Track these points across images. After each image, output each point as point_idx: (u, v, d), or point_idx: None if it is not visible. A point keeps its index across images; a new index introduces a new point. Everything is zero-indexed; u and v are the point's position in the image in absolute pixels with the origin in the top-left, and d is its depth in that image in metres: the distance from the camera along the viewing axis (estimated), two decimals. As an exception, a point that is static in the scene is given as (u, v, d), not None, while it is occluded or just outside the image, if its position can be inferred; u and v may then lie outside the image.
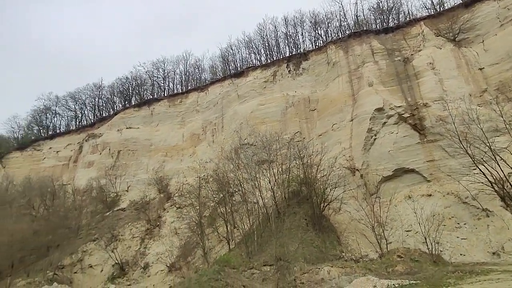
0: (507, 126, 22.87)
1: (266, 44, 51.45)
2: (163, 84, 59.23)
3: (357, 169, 29.83)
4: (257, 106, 41.53)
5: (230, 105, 45.17)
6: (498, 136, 23.72)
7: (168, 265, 29.53)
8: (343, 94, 35.47)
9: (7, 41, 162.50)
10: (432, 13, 38.32)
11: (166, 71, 59.09)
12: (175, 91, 56.11)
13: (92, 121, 59.52)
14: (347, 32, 42.86)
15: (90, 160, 50.18)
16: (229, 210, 29.27)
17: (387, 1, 44.09)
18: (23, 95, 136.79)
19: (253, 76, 45.15)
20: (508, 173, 21.62)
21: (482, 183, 21.91)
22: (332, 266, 18.85)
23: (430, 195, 26.11)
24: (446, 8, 37.56)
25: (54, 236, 35.01)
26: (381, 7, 44.27)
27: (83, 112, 63.63)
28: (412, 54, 33.74)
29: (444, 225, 22.43)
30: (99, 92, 62.64)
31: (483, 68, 30.06)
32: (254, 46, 52.96)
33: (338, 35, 44.57)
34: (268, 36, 51.51)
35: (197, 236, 28.94)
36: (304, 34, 50.02)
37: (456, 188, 24.78)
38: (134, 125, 51.12)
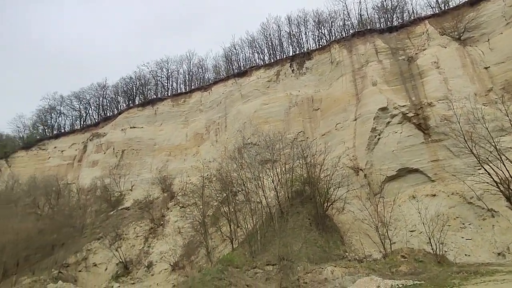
0: (513, 125, 22.63)
1: (270, 44, 51.48)
2: (166, 84, 59.54)
3: (360, 169, 29.72)
4: (260, 106, 41.53)
5: (233, 104, 45.21)
6: (503, 136, 23.50)
7: (172, 264, 29.64)
8: (346, 93, 35.34)
9: (7, 41, 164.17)
10: (437, 11, 38.06)
11: (169, 71, 59.42)
12: (179, 91, 56.32)
13: (97, 120, 59.91)
14: (351, 31, 42.72)
15: (95, 159, 50.52)
16: (232, 210, 29.29)
17: (391, 0, 43.90)
18: (24, 95, 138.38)
19: (256, 75, 45.15)
20: (514, 173, 21.41)
21: (487, 183, 21.70)
22: (335, 266, 18.84)
23: (435, 195, 25.94)
24: (451, 6, 37.24)
25: (59, 234, 35.30)
26: (385, 6, 44.05)
27: (87, 111, 64.18)
28: (416, 53, 33.53)
29: (449, 226, 22.28)
30: (103, 91, 63.16)
31: (489, 67, 29.79)
32: (257, 46, 53.06)
33: (341, 34, 44.43)
34: (272, 36, 51.57)
35: (200, 235, 29.01)
36: (307, 33, 49.98)
37: (461, 188, 24.59)
38: (138, 124, 51.37)
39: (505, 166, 21.13)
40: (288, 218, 26.15)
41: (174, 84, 59.44)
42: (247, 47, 54.33)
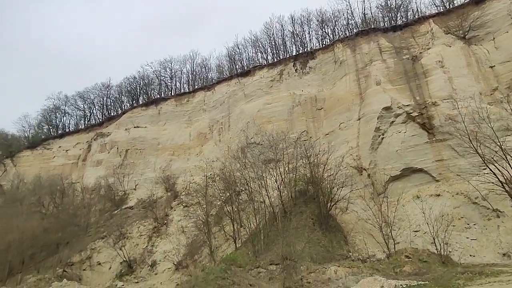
0: (518, 125, 22.46)
1: (273, 43, 51.37)
2: (170, 84, 59.67)
3: (364, 169, 29.61)
4: (263, 105, 41.51)
5: (236, 104, 45.24)
6: (509, 135, 23.34)
7: (175, 263, 29.74)
8: (350, 93, 35.22)
9: (8, 41, 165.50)
10: (441, 10, 37.76)
11: (173, 71, 59.53)
12: (182, 91, 56.42)
13: (101, 120, 60.20)
14: (354, 30, 42.51)
15: (99, 158, 50.83)
16: (235, 209, 29.33)
17: (395, -1, 43.59)
18: (28, 95, 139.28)
19: (259, 75, 45.13)
20: (520, 173, 21.22)
21: (493, 183, 21.54)
22: (339, 266, 18.79)
23: (439, 195, 25.79)
24: (455, 5, 36.97)
25: (63, 233, 35.55)
26: (389, 5, 43.77)
27: (91, 111, 64.50)
28: (420, 52, 33.32)
29: (453, 226, 22.16)
30: (107, 91, 63.40)
31: (494, 66, 29.54)
32: (260, 45, 52.93)
33: (345, 34, 44.24)
34: (275, 35, 51.43)
35: (203, 234, 29.09)
36: (311, 32, 49.76)
37: (466, 188, 24.44)
38: (142, 124, 51.60)
39: (510, 166, 20.95)
40: (291, 218, 26.12)
41: (178, 84, 59.66)
42: (251, 47, 54.35)
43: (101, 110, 63.34)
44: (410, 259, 19.66)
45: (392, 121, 30.05)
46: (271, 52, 51.24)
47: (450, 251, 20.61)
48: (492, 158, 21.51)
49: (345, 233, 26.23)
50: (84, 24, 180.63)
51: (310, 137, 36.37)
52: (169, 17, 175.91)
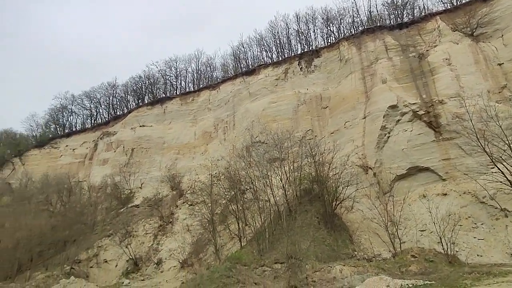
0: (527, 123, 22.10)
1: (278, 42, 51.28)
2: (175, 83, 59.95)
3: (370, 167, 29.44)
4: (268, 104, 41.48)
5: (241, 103, 45.27)
6: (517, 134, 22.92)
7: (181, 261, 29.92)
8: (355, 91, 35.00)
9: (13, 42, 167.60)
10: (449, 7, 37.22)
11: (178, 70, 59.77)
12: (187, 90, 56.64)
13: (107, 119, 60.77)
14: (360, 28, 42.23)
15: (105, 157, 51.33)
16: (240, 208, 29.38)
17: (401, -4, 43.12)
18: (32, 94, 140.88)
19: (264, 74, 45.10)
20: (529, 172, 20.90)
21: (501, 182, 21.22)
22: (344, 265, 18.71)
23: (446, 194, 25.54)
24: (463, 2, 36.33)
25: (70, 231, 36.00)
26: (395, 2, 43.34)
27: (98, 110, 65.11)
28: (427, 50, 32.96)
29: (460, 225, 21.92)
30: (113, 91, 63.91)
31: (502, 63, 29.08)
32: (265, 44, 52.91)
33: (350, 32, 43.97)
34: (280, 34, 51.34)
35: (209, 233, 29.20)
36: (316, 31, 49.57)
37: (473, 187, 24.15)
38: (147, 123, 51.95)
39: (519, 164, 20.65)
40: (296, 217, 26.07)
41: (183, 83, 59.91)
42: (255, 46, 54.33)
43: (107, 109, 63.94)
44: (416, 258, 19.49)
45: (398, 120, 29.80)
46: (276, 50, 51.23)
47: (457, 251, 20.38)
48: (500, 157, 21.19)
49: (350, 232, 26.12)
50: (88, 24, 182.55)
51: (315, 136, 36.26)
52: (173, 16, 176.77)
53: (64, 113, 66.19)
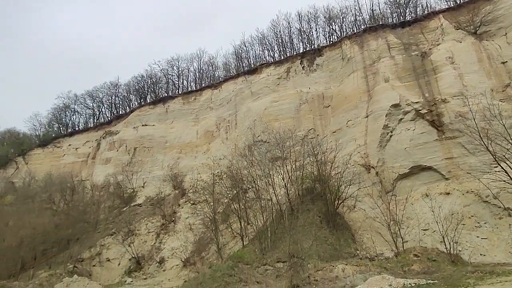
0: (531, 122, 21.96)
1: (280, 41, 51.14)
2: (177, 82, 59.99)
3: (372, 167, 29.37)
4: (270, 103, 41.45)
5: (243, 102, 45.26)
6: (521, 133, 22.76)
7: (183, 260, 30.02)
8: (358, 90, 34.89)
9: (13, 41, 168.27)
10: (452, 5, 37.00)
11: (180, 69, 59.81)
12: (189, 89, 56.68)
13: (109, 118, 60.93)
14: (362, 26, 41.99)
15: (108, 156, 51.52)
16: (242, 207, 29.42)
17: (404, -6, 42.88)
18: (35, 93, 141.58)
19: (266, 73, 45.05)
20: (532, 171, 20.78)
21: (504, 181, 21.13)
22: (346, 264, 18.69)
23: (449, 193, 25.43)
24: (466, 0, 36.20)
25: (74, 230, 36.20)
26: (397, 1, 43.05)
27: (100, 110, 65.27)
28: (430, 49, 32.79)
29: (463, 224, 21.83)
30: (116, 90, 64.09)
31: (506, 61, 28.88)
32: (267, 43, 52.78)
33: (353, 30, 43.79)
34: (282, 33, 51.18)
35: (211, 232, 29.26)
36: (318, 29, 49.38)
37: (476, 186, 24.04)
38: (150, 122, 52.06)
39: (523, 163, 20.53)
40: (298, 216, 26.07)
41: (185, 82, 59.90)
42: (257, 45, 54.17)
43: (110, 109, 64.15)
44: (419, 257, 19.44)
45: (401, 119, 29.69)
46: (278, 49, 51.11)
47: (460, 250, 20.30)
48: (504, 155, 21.09)
49: (352, 231, 26.09)
50: (88, 24, 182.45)
51: (317, 135, 36.21)
52: (175, 16, 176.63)
53: (67, 112, 66.52)
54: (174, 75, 60.20)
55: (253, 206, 29.34)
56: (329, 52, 41.46)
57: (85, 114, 66.26)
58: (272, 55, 51.61)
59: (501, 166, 21.29)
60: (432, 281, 15.11)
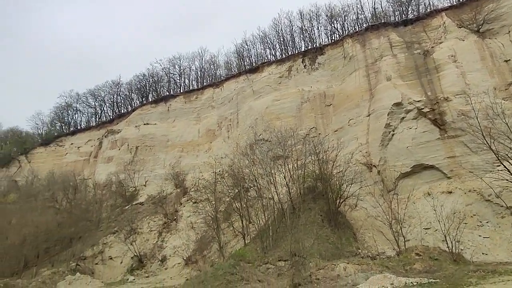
0: (534, 120, 21.82)
1: (281, 39, 51.00)
2: (179, 81, 60.00)
3: (374, 165, 29.32)
4: (272, 102, 41.41)
5: (245, 100, 45.24)
6: (524, 131, 22.65)
7: (185, 258, 30.11)
8: (360, 88, 34.80)
9: (14, 41, 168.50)
10: (455, 3, 36.77)
11: (182, 68, 59.81)
12: (191, 88, 56.63)
13: (111, 117, 61.02)
14: (364, 25, 41.87)
15: (110, 155, 51.67)
16: (244, 205, 29.45)
17: (406, -8, 42.68)
18: (38, 92, 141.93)
19: (268, 71, 44.98)
20: (535, 170, 20.68)
21: (507, 180, 21.04)
22: (348, 263, 18.70)
23: (451, 192, 25.36)
24: (469, -3, 35.97)
25: (76, 228, 36.40)
26: (400, -1, 42.93)
27: (102, 108, 65.43)
28: (432, 47, 32.63)
29: (466, 223, 21.74)
30: (118, 89, 64.18)
31: (509, 60, 28.70)
32: (269, 42, 52.64)
33: (355, 29, 43.63)
34: (283, 31, 51.01)
35: (213, 230, 29.33)
36: (320, 28, 49.21)
37: (479, 185, 23.95)
38: (151, 121, 52.13)
39: (525, 162, 20.44)
40: (300, 214, 26.11)
41: (186, 81, 59.83)
42: (259, 43, 54.05)
43: (112, 108, 64.26)
44: (421, 256, 19.42)
45: (403, 117, 29.60)
46: (280, 48, 51.00)
47: (462, 249, 20.27)
48: (506, 154, 20.99)
49: (354, 230, 26.09)
50: (89, 24, 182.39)
51: (319, 134, 36.16)
52: (176, 15, 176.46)
53: (69, 111, 66.71)
54: (175, 74, 60.27)
55: (255, 204, 29.37)
56: (331, 50, 41.35)
57: (87, 113, 66.56)
58: (273, 53, 51.56)
59: (503, 165, 21.20)
60: (434, 280, 15.09)
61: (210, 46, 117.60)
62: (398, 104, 29.93)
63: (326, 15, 48.23)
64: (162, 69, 60.30)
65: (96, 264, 33.53)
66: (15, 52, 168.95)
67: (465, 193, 24.70)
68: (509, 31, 29.98)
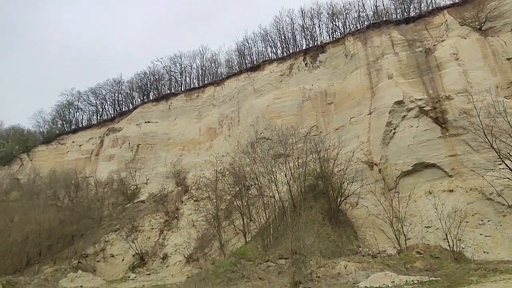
0: (536, 119, 21.73)
1: (283, 37, 50.88)
2: (180, 79, 59.92)
3: (375, 164, 29.30)
4: (273, 100, 41.37)
5: (246, 99, 45.21)
6: (526, 130, 22.57)
7: (186, 256, 30.21)
8: (361, 87, 34.73)
9: (14, 40, 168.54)
10: (457, 1, 36.53)
11: (183, 66, 59.72)
12: (192, 86, 56.61)
13: (112, 115, 61.11)
14: (366, 23, 41.72)
15: (111, 153, 51.78)
16: (245, 204, 29.50)
17: (408, -10, 42.45)
18: (39, 90, 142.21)
19: (269, 69, 44.93)
20: (537, 169, 20.63)
21: (508, 178, 21.03)
22: (348, 261, 18.71)
23: (452, 190, 25.34)
24: (471, -5, 35.74)
25: (78, 226, 36.55)
26: (402, -4, 42.71)
27: (103, 107, 65.39)
28: (434, 45, 32.51)
29: (467, 222, 21.74)
30: (119, 87, 64.16)
31: (511, 58, 28.58)
32: (270, 39, 52.50)
33: (356, 27, 43.45)
34: (285, 29, 50.89)
35: (214, 228, 29.40)
36: (321, 26, 49.02)
37: (480, 184, 23.92)
38: (153, 119, 52.18)
39: (527, 161, 20.39)
40: (300, 213, 26.08)
41: (188, 79, 59.78)
42: (260, 41, 53.90)
43: (113, 106, 64.28)
44: (422, 255, 19.41)
45: (404, 116, 29.54)
46: (281, 46, 50.88)
47: (463, 248, 20.25)
48: (508, 153, 20.94)
49: (355, 228, 26.10)
50: (90, 23, 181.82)
51: (320, 132, 36.14)
52: (177, 13, 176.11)
53: (70, 109, 66.76)
54: (176, 72, 60.18)
55: (256, 203, 29.41)
56: (332, 48, 41.24)
57: (88, 111, 66.60)
58: (274, 51, 51.45)
59: (505, 164, 21.16)
60: (434, 278, 15.11)
61: (211, 44, 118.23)
62: (399, 103, 29.86)
63: (328, 13, 48.10)
64: (163, 67, 60.30)
65: (98, 261, 33.70)
66: (16, 51, 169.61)
67: (467, 191, 24.67)
68: (511, 29, 29.81)
